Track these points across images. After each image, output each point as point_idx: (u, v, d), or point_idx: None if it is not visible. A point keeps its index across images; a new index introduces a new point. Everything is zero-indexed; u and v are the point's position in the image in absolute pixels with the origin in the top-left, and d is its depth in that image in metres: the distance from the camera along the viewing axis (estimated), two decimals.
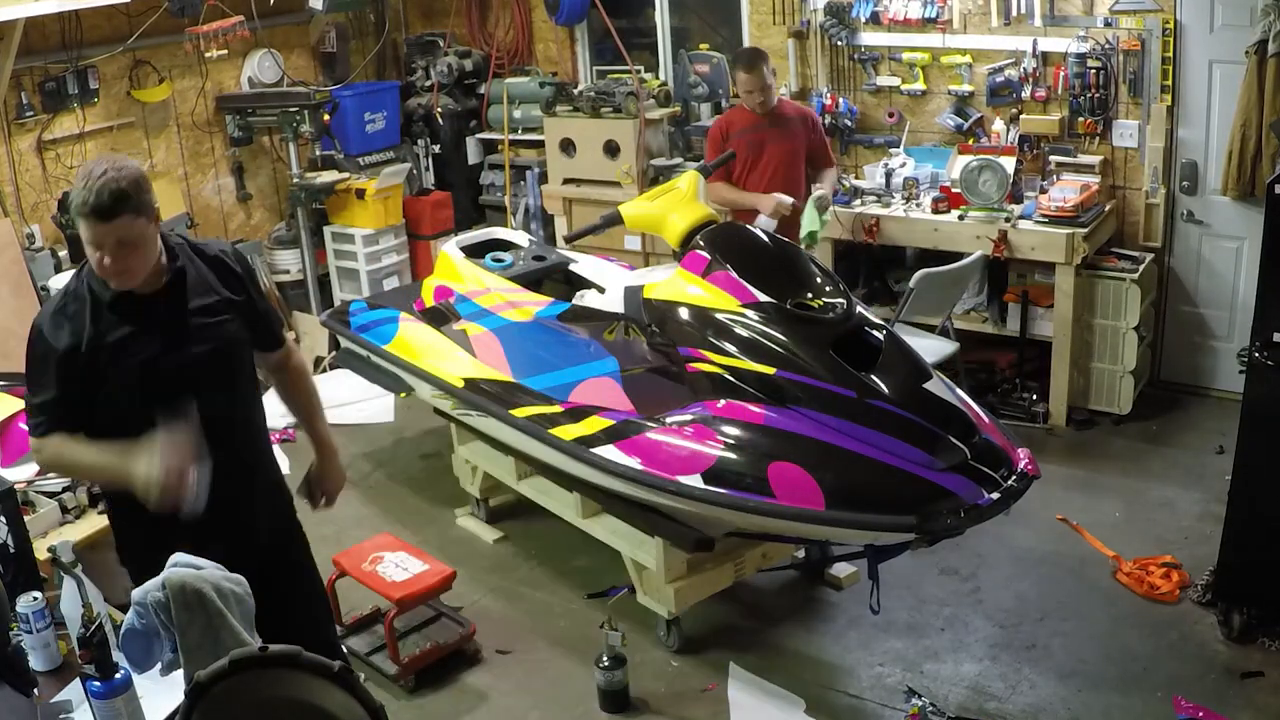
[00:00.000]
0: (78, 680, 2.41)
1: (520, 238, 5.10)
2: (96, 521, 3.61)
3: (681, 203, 4.05)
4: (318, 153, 6.63)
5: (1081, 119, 5.44)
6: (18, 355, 4.95)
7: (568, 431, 3.68)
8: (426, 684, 3.85)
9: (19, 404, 3.99)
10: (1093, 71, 5.33)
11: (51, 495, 3.60)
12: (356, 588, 4.01)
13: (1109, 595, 4.12)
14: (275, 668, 2.13)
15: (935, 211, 5.41)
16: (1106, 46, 5.29)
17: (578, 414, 3.71)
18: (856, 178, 5.99)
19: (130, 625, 2.61)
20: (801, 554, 4.26)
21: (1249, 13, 4.90)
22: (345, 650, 3.96)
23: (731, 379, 3.45)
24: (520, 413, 3.86)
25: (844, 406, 3.28)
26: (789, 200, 4.95)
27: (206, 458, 2.45)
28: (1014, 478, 3.26)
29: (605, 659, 3.63)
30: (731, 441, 3.34)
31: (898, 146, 5.90)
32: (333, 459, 3.00)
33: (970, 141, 5.68)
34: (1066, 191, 5.18)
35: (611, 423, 3.60)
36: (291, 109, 6.18)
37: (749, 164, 5.14)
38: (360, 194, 6.50)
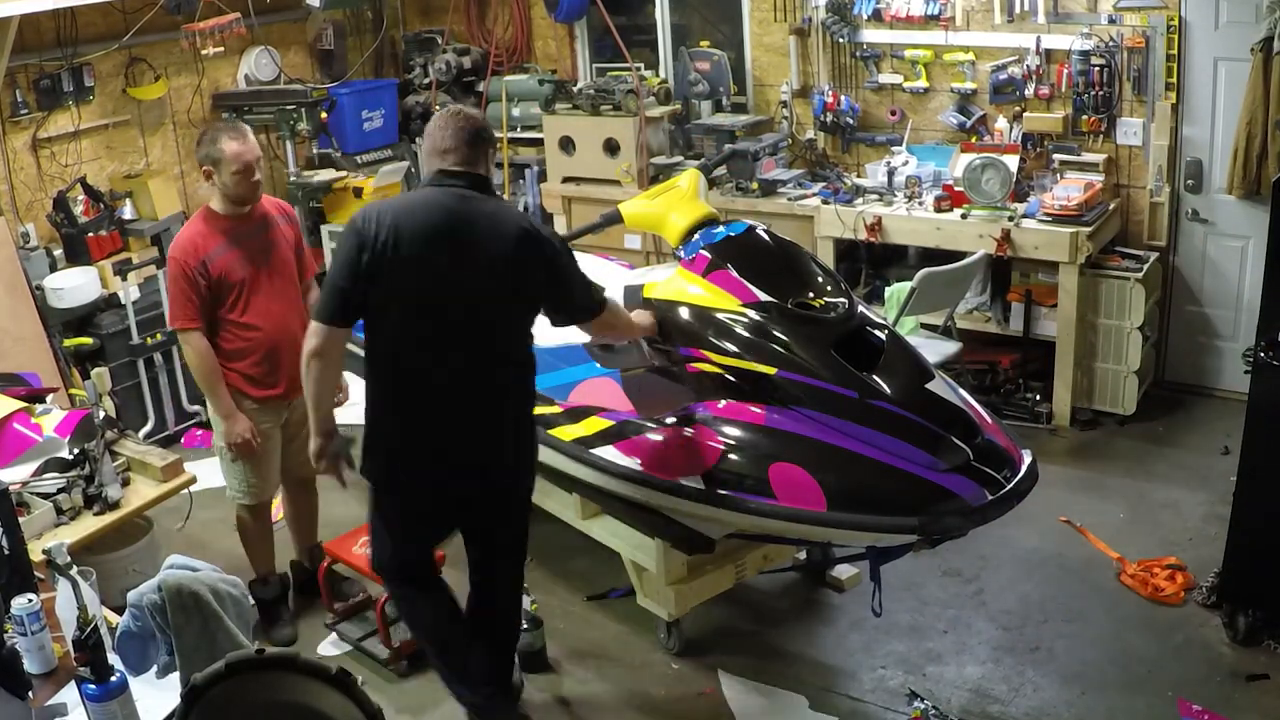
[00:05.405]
0: (73, 683, 2.38)
1: None
2: (92, 523, 3.58)
3: (682, 201, 4.01)
4: (315, 151, 6.59)
5: (1085, 117, 5.42)
6: (13, 355, 4.98)
7: (567, 432, 3.66)
8: (419, 668, 3.84)
9: (15, 404, 3.96)
10: (1096, 69, 5.31)
11: (46, 497, 3.57)
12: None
13: (1113, 597, 4.10)
14: (272, 670, 2.11)
15: (938, 210, 5.39)
16: (1110, 44, 5.26)
17: (577, 414, 3.68)
18: (858, 176, 5.96)
19: (126, 627, 2.60)
20: (803, 555, 4.23)
21: (1254, 10, 4.88)
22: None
23: (732, 379, 3.42)
24: None
25: (845, 407, 3.25)
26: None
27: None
28: (1017, 479, 3.24)
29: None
30: (732, 442, 3.31)
31: (900, 145, 5.87)
32: None
33: (973, 139, 5.65)
34: (1070, 190, 5.15)
35: (611, 423, 3.57)
36: (288, 107, 6.14)
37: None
38: (358, 192, 6.45)
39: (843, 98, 6.02)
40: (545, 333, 4.09)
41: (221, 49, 5.72)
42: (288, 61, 6.70)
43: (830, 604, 4.17)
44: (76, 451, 3.73)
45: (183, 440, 5.75)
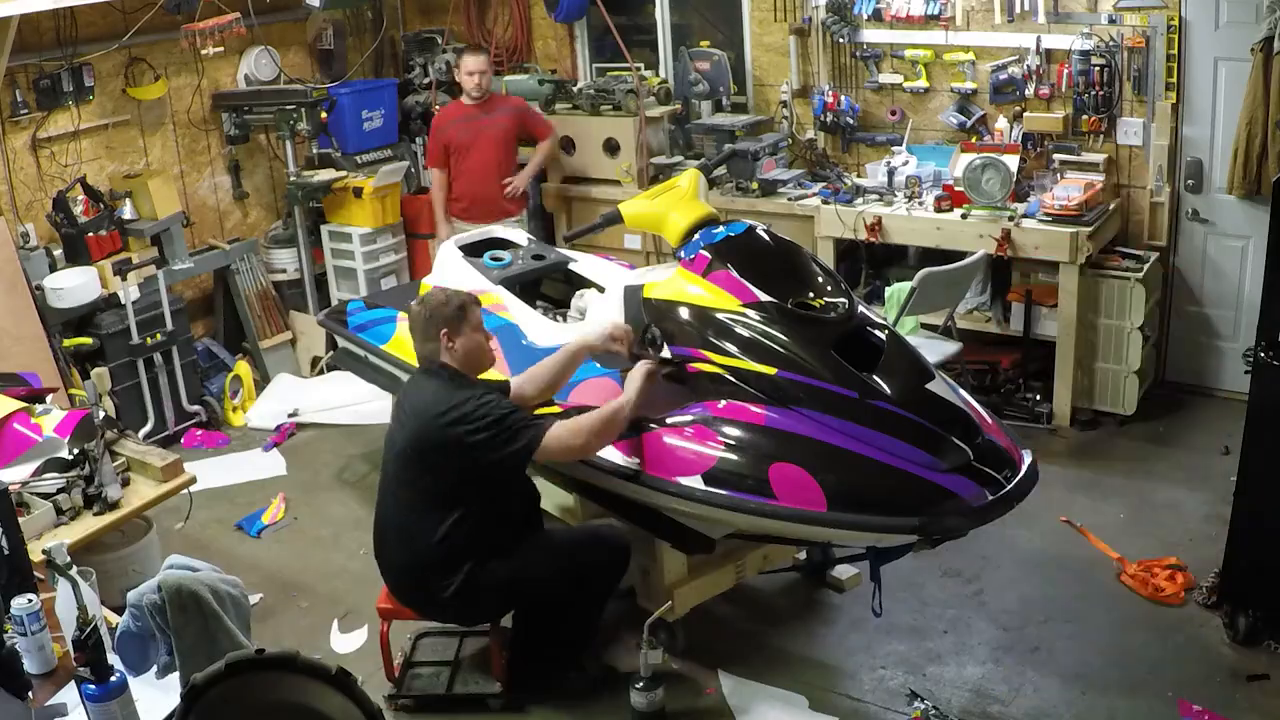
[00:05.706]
0: (73, 683, 2.38)
1: (519, 236, 5.06)
2: (92, 523, 3.58)
3: (682, 201, 4.01)
4: (315, 151, 6.59)
5: (1085, 117, 5.41)
6: (13, 355, 4.97)
7: None
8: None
9: (15, 404, 3.96)
10: (1097, 69, 5.30)
11: (46, 497, 3.57)
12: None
13: (1113, 597, 4.09)
14: (271, 670, 2.11)
15: (938, 210, 5.38)
16: (1111, 43, 5.26)
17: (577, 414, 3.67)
18: (859, 176, 5.96)
19: (126, 627, 2.59)
20: (803, 556, 4.23)
21: (1254, 9, 4.88)
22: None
23: (732, 379, 3.42)
24: None
25: (846, 407, 3.25)
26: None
27: None
28: (1017, 479, 3.24)
29: (640, 680, 3.52)
30: (732, 442, 3.31)
31: (900, 144, 5.87)
32: None
33: (973, 139, 5.64)
34: (1070, 190, 5.15)
35: None
36: (288, 107, 6.13)
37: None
38: (358, 192, 6.46)
39: (843, 98, 6.02)
40: (543, 334, 4.11)
41: (221, 49, 5.71)
42: (288, 61, 6.70)
43: (830, 604, 4.17)
44: (76, 451, 3.73)
45: (183, 440, 5.74)
